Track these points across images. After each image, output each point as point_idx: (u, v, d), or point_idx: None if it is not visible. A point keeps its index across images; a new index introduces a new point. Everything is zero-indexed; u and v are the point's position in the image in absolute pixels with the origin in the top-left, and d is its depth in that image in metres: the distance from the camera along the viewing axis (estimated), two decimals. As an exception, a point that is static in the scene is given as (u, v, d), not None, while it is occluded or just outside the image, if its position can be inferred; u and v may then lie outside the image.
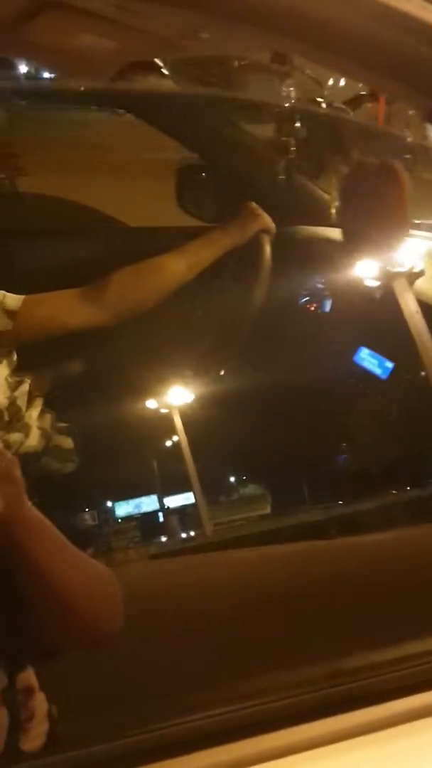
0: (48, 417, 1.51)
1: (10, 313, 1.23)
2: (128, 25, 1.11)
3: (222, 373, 1.42)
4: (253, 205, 1.46)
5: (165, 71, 1.53)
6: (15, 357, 1.49)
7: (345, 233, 1.42)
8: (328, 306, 1.57)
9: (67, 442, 1.49)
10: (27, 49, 1.44)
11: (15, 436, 1.38)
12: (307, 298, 1.63)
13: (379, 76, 0.79)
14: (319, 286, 1.61)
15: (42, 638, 0.75)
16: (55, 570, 0.73)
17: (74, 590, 0.74)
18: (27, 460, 1.39)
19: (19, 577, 0.71)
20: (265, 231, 1.48)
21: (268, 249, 1.44)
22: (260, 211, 1.48)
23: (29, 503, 0.71)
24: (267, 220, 1.49)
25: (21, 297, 1.26)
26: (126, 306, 1.33)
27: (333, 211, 1.69)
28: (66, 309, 1.29)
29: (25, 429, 1.41)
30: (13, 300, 1.25)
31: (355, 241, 1.38)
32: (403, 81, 0.78)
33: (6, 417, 1.36)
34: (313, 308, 1.62)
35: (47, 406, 1.53)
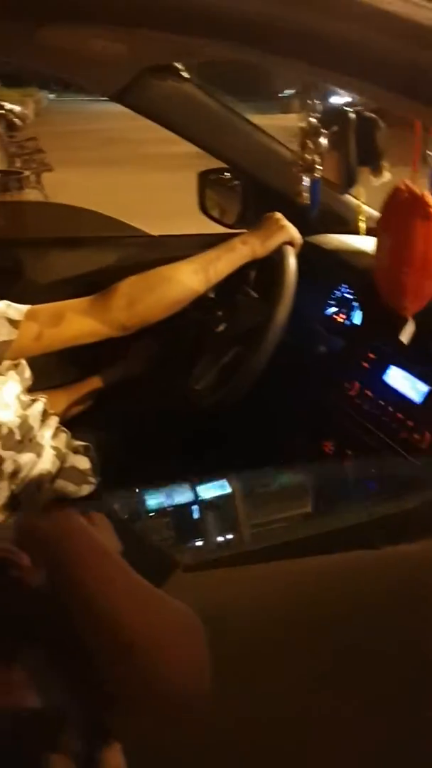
0: (63, 436, 1.45)
1: (13, 323, 1.17)
2: (140, 30, 1.05)
3: (243, 389, 1.34)
4: (278, 215, 1.38)
5: (185, 74, 1.47)
6: (28, 373, 1.45)
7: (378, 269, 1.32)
8: (358, 318, 1.48)
9: (83, 463, 1.44)
10: (42, 56, 1.40)
11: (26, 457, 1.33)
12: (335, 309, 1.55)
13: (393, 94, 0.71)
14: (348, 296, 1.53)
15: (112, 698, 0.59)
16: (113, 598, 0.59)
17: (142, 630, 0.59)
18: (40, 482, 1.34)
19: (73, 609, 0.59)
20: (290, 243, 1.39)
21: (293, 262, 1.36)
22: (285, 221, 1.40)
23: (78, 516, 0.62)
24: (292, 232, 1.40)
25: (25, 307, 1.21)
26: (134, 317, 1.26)
27: (362, 222, 1.62)
28: (70, 319, 1.22)
29: (38, 449, 1.35)
30: (16, 310, 1.19)
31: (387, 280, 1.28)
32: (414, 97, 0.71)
33: (17, 436, 1.31)
34: (341, 319, 1.54)
35: (63, 424, 1.48)
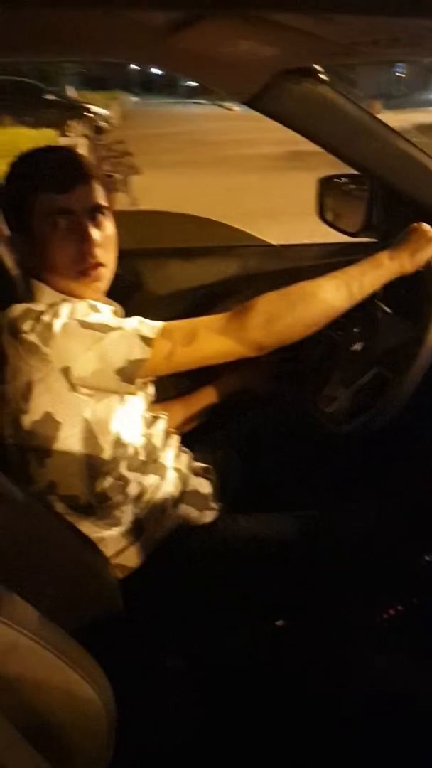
0: (184, 457, 1.39)
1: (147, 341, 1.10)
2: (301, 31, 0.97)
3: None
4: (426, 227, 1.26)
5: (323, 76, 1.38)
6: (152, 389, 1.39)
7: None
8: None
9: (205, 486, 1.37)
10: (175, 60, 1.34)
11: (151, 479, 1.27)
12: None
13: None
14: None
15: None
16: None
17: None
18: (164, 506, 1.28)
19: None
20: None
21: None
22: None
23: None
24: None
25: (158, 324, 1.14)
26: (271, 336, 1.15)
27: None
28: (204, 338, 1.14)
29: (161, 471, 1.30)
30: (149, 327, 1.13)
31: None
32: None
33: (142, 457, 1.26)
34: None
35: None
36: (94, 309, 1.16)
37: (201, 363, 1.18)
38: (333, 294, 1.17)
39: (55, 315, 1.11)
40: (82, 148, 8.02)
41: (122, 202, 6.96)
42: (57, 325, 1.09)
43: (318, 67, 1.36)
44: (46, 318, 1.10)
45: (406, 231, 1.26)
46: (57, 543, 1.11)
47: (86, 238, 1.17)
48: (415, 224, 1.26)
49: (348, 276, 1.19)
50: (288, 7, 0.79)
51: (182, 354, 1.13)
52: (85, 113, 14.71)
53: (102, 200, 1.20)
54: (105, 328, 1.10)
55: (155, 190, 7.25)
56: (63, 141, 9.77)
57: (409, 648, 1.11)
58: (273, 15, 0.92)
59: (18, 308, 1.14)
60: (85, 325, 1.10)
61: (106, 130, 13.76)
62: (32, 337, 1.09)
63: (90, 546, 1.18)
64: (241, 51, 1.20)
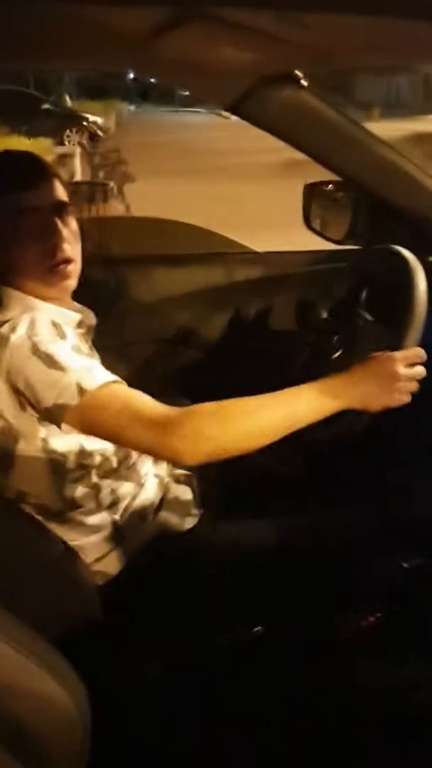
0: (165, 464, 1.38)
1: (82, 391, 1.03)
2: (279, 37, 0.97)
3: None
4: (398, 362, 1.10)
5: (303, 82, 1.38)
6: None
7: None
8: None
9: (186, 493, 1.36)
10: (158, 65, 1.35)
11: (127, 487, 1.26)
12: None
13: None
14: None
15: None
16: None
17: None
18: (144, 513, 1.27)
19: None
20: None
21: (423, 284, 1.23)
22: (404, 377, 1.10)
23: None
24: (406, 398, 1.10)
25: (103, 380, 1.05)
26: (197, 455, 1.02)
27: None
28: (131, 425, 1.02)
29: (137, 478, 1.28)
30: (92, 379, 1.04)
31: None
32: None
33: (114, 464, 1.24)
34: None
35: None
36: (58, 332, 1.10)
37: (118, 443, 1.12)
38: (273, 415, 1.05)
39: (13, 329, 1.08)
40: (77, 157, 8.07)
41: (117, 209, 6.97)
42: (12, 339, 1.07)
43: (299, 74, 1.36)
44: (3, 330, 1.09)
45: (370, 363, 1.11)
46: (34, 550, 1.11)
47: (54, 233, 1.16)
48: (382, 355, 1.12)
49: (291, 399, 1.07)
50: (262, 10, 0.79)
51: (105, 425, 1.05)
52: (82, 122, 14.77)
53: (64, 197, 1.19)
54: (51, 362, 1.05)
55: (151, 198, 7.26)
56: (58, 150, 9.80)
57: (388, 655, 1.10)
58: (250, 21, 0.92)
59: None
60: (35, 350, 1.06)
61: (102, 139, 13.82)
62: None
63: (69, 553, 1.18)
64: (222, 57, 1.20)
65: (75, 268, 1.21)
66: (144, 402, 1.05)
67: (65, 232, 1.17)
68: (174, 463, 1.07)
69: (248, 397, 1.04)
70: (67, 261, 1.18)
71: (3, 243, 1.16)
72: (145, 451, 1.09)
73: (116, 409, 1.04)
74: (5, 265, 1.17)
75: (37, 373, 1.05)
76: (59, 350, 1.07)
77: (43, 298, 1.19)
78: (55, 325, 1.12)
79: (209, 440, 1.01)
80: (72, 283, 1.21)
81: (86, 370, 1.06)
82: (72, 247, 1.19)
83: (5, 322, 1.11)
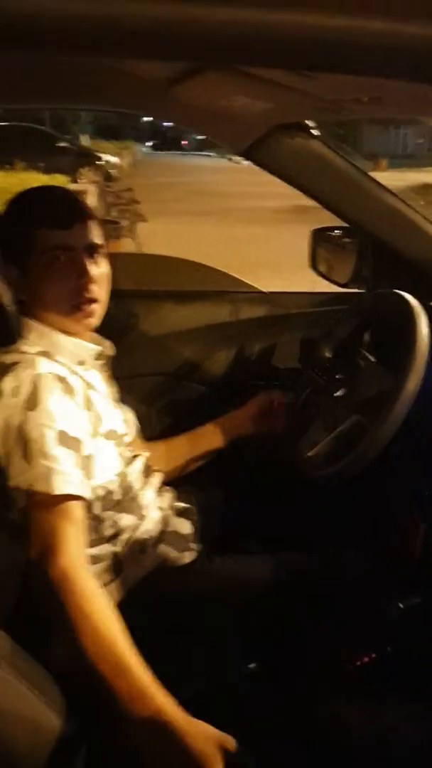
0: (167, 496, 1.39)
1: (35, 493, 1.05)
2: (291, 87, 1.02)
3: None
4: None
5: (315, 132, 1.44)
6: (132, 430, 1.40)
7: None
8: None
9: (186, 527, 1.36)
10: (174, 111, 1.40)
11: (128, 519, 1.26)
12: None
13: None
14: None
15: None
16: None
17: None
18: (144, 545, 1.28)
19: None
20: None
21: (424, 327, 1.26)
22: None
23: None
24: None
25: (68, 489, 1.06)
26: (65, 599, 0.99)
27: None
28: (49, 536, 1.03)
29: (139, 511, 1.29)
30: (62, 481, 1.05)
31: None
32: None
33: (117, 496, 1.25)
34: None
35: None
36: (64, 387, 1.13)
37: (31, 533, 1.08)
38: (102, 646, 0.98)
39: (16, 394, 1.09)
40: (92, 195, 8.23)
41: (128, 247, 7.09)
42: (8, 403, 1.09)
43: (311, 123, 1.42)
44: (5, 388, 1.10)
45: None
46: (33, 578, 1.11)
47: (84, 274, 1.19)
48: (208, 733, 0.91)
49: (127, 671, 0.96)
50: (274, 65, 0.84)
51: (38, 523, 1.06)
52: (96, 161, 15.10)
53: (99, 239, 1.23)
54: (25, 450, 1.06)
55: (161, 237, 7.39)
56: (73, 187, 9.99)
57: (381, 696, 1.10)
58: (263, 72, 0.97)
59: None
60: (20, 430, 1.07)
61: (116, 178, 14.10)
62: None
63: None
64: (236, 105, 1.26)
65: (100, 308, 1.24)
66: (70, 536, 1.04)
67: (95, 273, 1.21)
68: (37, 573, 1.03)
69: (117, 625, 1.01)
70: (93, 301, 1.21)
71: (32, 275, 1.19)
72: (34, 553, 1.04)
73: (51, 522, 1.04)
74: (31, 296, 1.20)
75: (12, 454, 1.07)
76: (46, 438, 1.07)
77: (63, 332, 1.22)
78: (61, 380, 1.14)
79: (72, 603, 0.98)
80: (95, 322, 1.24)
81: (52, 473, 1.05)
82: (100, 288, 1.22)
83: (10, 367, 1.13)
